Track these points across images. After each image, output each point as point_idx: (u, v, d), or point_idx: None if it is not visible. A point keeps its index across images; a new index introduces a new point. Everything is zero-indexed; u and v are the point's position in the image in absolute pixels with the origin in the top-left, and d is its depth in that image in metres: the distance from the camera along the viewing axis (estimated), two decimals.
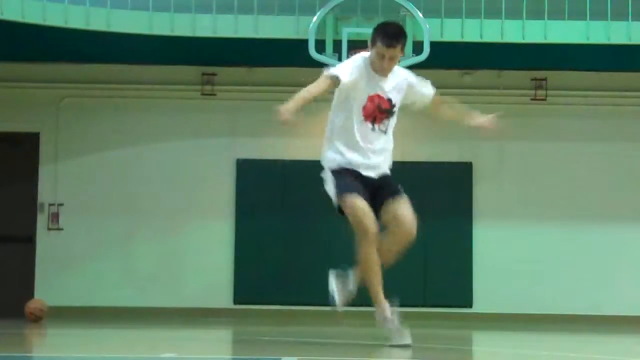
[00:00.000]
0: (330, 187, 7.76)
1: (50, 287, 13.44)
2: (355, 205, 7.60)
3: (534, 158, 13.89)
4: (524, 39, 12.01)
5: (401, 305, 13.59)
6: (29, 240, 13.69)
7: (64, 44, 12.64)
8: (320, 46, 11.61)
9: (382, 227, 7.86)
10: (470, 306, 13.64)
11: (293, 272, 13.48)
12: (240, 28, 11.97)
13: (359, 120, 7.79)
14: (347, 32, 11.58)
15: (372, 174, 7.92)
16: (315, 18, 11.64)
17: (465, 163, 13.86)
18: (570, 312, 13.51)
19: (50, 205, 13.71)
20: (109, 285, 13.59)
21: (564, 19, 11.91)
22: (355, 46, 11.61)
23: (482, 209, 13.75)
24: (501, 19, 11.92)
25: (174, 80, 13.86)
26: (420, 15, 11.69)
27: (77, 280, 13.60)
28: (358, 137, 7.80)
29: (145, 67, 13.59)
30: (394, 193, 7.94)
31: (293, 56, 12.22)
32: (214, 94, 13.87)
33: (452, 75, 13.80)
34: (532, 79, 13.90)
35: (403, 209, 7.88)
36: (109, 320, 12.15)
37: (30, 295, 13.09)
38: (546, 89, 13.91)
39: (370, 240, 7.63)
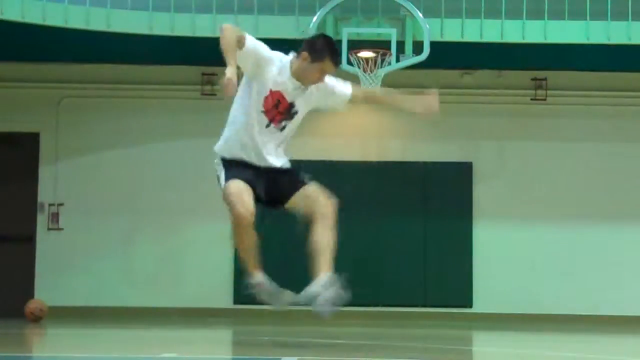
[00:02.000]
0: (220, 177, 7.83)
1: (50, 287, 13.44)
2: (232, 189, 7.59)
3: (533, 158, 13.89)
4: (524, 39, 12.01)
5: (401, 305, 13.71)
6: (29, 240, 13.68)
7: (64, 44, 12.63)
8: None
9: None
10: (470, 306, 13.64)
11: (293, 272, 13.44)
12: (240, 28, 11.94)
13: (257, 111, 7.66)
14: (347, 32, 11.58)
15: (264, 164, 7.76)
16: (315, 18, 11.63)
17: (465, 163, 13.86)
18: (570, 312, 13.51)
19: (50, 205, 13.71)
20: (109, 285, 13.59)
21: (564, 19, 11.91)
22: (355, 46, 11.63)
23: (482, 209, 13.75)
24: (501, 19, 11.92)
25: (174, 80, 13.86)
26: (420, 15, 11.69)
27: (77, 280, 13.60)
28: (256, 128, 7.67)
29: (145, 67, 13.59)
30: (298, 183, 7.81)
31: None
32: (214, 94, 13.86)
33: (452, 75, 13.81)
34: (532, 79, 13.91)
35: (311, 191, 7.77)
36: (109, 320, 12.15)
37: (30, 295, 13.09)
38: (546, 89, 13.91)
39: (243, 226, 7.67)
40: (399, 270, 13.68)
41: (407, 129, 13.89)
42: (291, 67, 7.69)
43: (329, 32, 11.65)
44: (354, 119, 13.89)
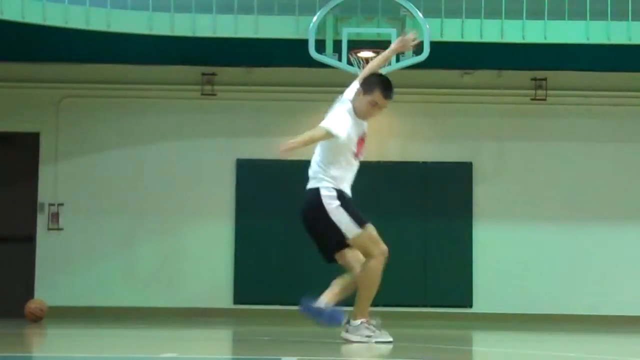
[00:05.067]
0: (342, 218, 8.25)
1: (50, 287, 13.44)
2: (373, 231, 8.32)
3: (534, 158, 13.89)
4: (524, 39, 12.00)
5: (401, 305, 13.71)
6: (29, 240, 13.68)
7: (64, 44, 12.64)
8: (320, 46, 11.60)
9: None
10: (470, 306, 13.65)
11: (293, 272, 13.47)
12: (240, 28, 11.97)
13: (351, 162, 8.40)
14: (347, 32, 11.58)
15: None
16: (315, 18, 11.63)
17: (465, 163, 13.86)
18: (570, 312, 13.52)
19: (50, 205, 13.71)
20: (109, 285, 13.59)
21: (564, 19, 11.91)
22: (355, 46, 11.63)
23: (482, 209, 13.75)
24: (501, 19, 11.92)
25: (174, 80, 13.86)
26: (420, 15, 11.68)
27: (77, 280, 13.60)
28: (350, 175, 8.45)
29: (145, 67, 13.60)
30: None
31: (293, 56, 12.22)
32: (214, 94, 13.87)
33: (452, 75, 13.82)
34: (532, 79, 13.91)
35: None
36: (109, 320, 12.15)
37: (30, 295, 13.10)
38: (546, 89, 13.91)
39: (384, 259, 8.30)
40: (399, 270, 13.65)
41: (407, 129, 13.90)
42: (354, 108, 8.37)
43: (329, 32, 11.66)
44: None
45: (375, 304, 13.62)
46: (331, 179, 8.28)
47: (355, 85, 8.49)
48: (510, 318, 13.37)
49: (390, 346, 8.04)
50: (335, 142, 8.27)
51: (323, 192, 8.25)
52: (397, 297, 13.62)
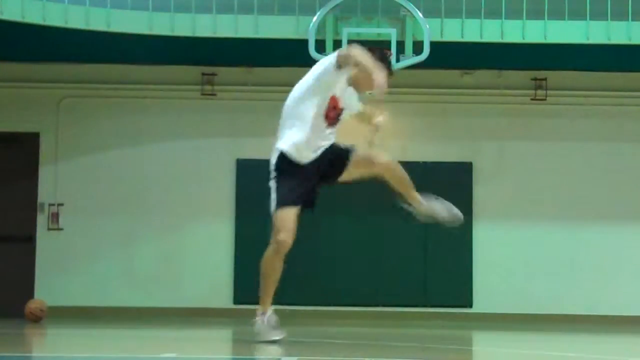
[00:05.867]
0: (272, 191, 7.98)
1: (50, 287, 13.44)
2: (283, 216, 7.89)
3: (533, 158, 13.89)
4: (524, 39, 12.02)
5: (401, 305, 13.71)
6: (29, 240, 13.68)
7: (64, 44, 12.64)
8: (320, 46, 11.62)
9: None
10: (470, 306, 13.65)
11: (293, 272, 13.42)
12: (240, 28, 11.97)
13: (321, 115, 7.98)
14: (347, 32, 11.59)
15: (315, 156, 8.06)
16: (315, 18, 11.65)
17: (465, 163, 13.86)
18: (570, 312, 13.52)
19: (50, 205, 13.71)
20: (109, 285, 13.59)
21: (564, 19, 11.92)
22: None
23: (482, 209, 13.75)
24: (501, 19, 11.93)
25: (174, 80, 13.86)
26: (420, 15, 11.69)
27: (77, 280, 13.60)
28: (319, 129, 7.98)
29: (145, 67, 13.60)
30: (345, 155, 8.11)
31: (293, 56, 12.21)
32: (214, 94, 13.87)
33: (452, 75, 13.82)
34: (532, 79, 13.91)
35: (361, 155, 8.15)
36: (109, 320, 12.15)
37: (30, 295, 13.10)
38: (546, 89, 13.91)
39: (282, 253, 7.96)
40: (399, 270, 13.68)
41: (407, 129, 13.90)
42: (354, 78, 7.95)
43: (329, 32, 11.67)
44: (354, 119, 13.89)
45: (375, 303, 13.73)
46: (284, 139, 8.01)
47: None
48: (510, 318, 13.37)
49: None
50: (317, 88, 7.92)
51: (272, 154, 8.02)
52: (397, 297, 13.63)
